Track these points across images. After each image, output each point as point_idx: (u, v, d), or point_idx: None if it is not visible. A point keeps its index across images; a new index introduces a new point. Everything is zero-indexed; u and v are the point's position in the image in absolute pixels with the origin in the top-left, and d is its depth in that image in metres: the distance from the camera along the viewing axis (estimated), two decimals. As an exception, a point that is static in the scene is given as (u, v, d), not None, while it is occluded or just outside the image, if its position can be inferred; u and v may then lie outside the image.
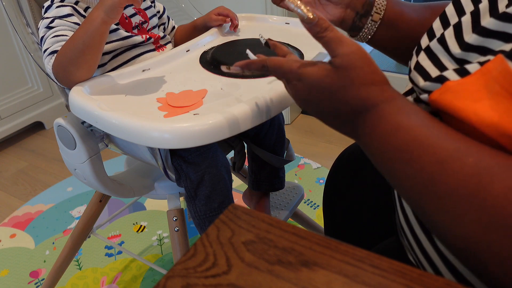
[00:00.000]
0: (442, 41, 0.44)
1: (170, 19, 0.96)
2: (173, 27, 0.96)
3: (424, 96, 0.43)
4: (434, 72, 0.43)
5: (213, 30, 0.92)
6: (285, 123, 1.72)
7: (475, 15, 0.41)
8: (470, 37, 0.40)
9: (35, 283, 1.26)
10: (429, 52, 0.45)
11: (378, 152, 0.40)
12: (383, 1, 0.64)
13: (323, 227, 1.26)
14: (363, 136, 0.43)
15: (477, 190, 0.32)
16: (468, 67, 0.39)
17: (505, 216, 0.30)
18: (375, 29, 0.66)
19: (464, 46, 0.41)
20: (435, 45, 0.45)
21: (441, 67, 0.43)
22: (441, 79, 0.40)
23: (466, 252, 0.32)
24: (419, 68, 0.46)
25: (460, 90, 0.37)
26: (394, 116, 0.40)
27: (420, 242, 0.48)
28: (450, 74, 0.40)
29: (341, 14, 0.66)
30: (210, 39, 0.90)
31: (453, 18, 0.46)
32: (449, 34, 0.44)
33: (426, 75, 0.44)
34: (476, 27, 0.40)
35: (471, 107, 0.36)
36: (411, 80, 0.48)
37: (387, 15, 0.65)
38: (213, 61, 0.79)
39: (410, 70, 0.49)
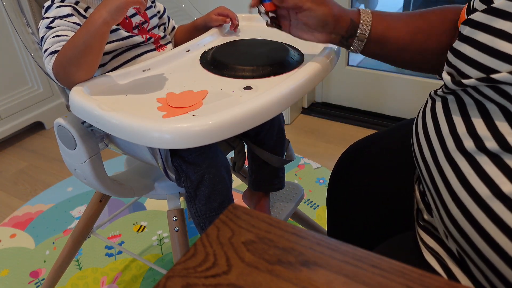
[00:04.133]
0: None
1: (170, 19, 0.96)
2: (173, 27, 0.96)
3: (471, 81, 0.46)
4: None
5: (214, 30, 0.92)
6: (285, 123, 1.72)
7: None
8: None
9: (35, 283, 1.26)
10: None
11: None
12: (367, 23, 0.66)
13: (323, 227, 1.26)
14: None
15: None
16: None
17: None
18: (363, 46, 0.68)
19: None
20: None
21: None
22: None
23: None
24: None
25: None
26: None
27: (453, 218, 0.48)
28: None
29: (326, 38, 0.69)
30: (211, 39, 0.90)
31: None
32: None
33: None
34: None
35: None
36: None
37: (374, 33, 0.67)
38: (213, 61, 0.79)
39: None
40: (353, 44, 0.68)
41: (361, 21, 0.66)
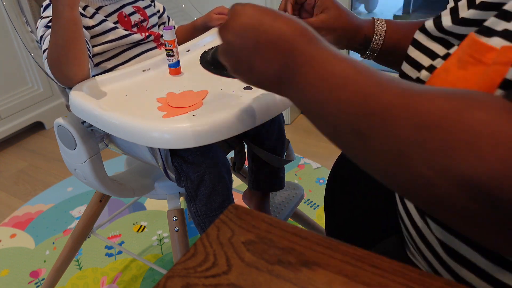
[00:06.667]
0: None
1: (170, 19, 0.96)
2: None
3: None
4: (426, 61, 0.48)
5: (214, 30, 0.92)
6: (285, 123, 1.72)
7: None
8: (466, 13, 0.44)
9: (35, 283, 1.26)
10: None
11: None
12: (381, 36, 0.68)
13: (323, 227, 1.26)
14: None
15: (411, 98, 0.34)
16: (451, 51, 0.44)
17: (436, 118, 0.32)
18: (374, 56, 0.70)
19: (458, 21, 0.45)
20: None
21: (432, 54, 0.48)
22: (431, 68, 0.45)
23: (396, 156, 0.34)
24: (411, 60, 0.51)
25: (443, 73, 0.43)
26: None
27: (419, 229, 0.49)
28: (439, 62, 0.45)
29: (340, 47, 0.70)
30: (211, 39, 0.90)
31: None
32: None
33: (418, 66, 0.49)
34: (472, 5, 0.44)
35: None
36: (403, 74, 0.53)
37: (386, 44, 0.68)
38: (213, 61, 0.79)
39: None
40: (365, 54, 0.71)
41: (375, 35, 0.68)
